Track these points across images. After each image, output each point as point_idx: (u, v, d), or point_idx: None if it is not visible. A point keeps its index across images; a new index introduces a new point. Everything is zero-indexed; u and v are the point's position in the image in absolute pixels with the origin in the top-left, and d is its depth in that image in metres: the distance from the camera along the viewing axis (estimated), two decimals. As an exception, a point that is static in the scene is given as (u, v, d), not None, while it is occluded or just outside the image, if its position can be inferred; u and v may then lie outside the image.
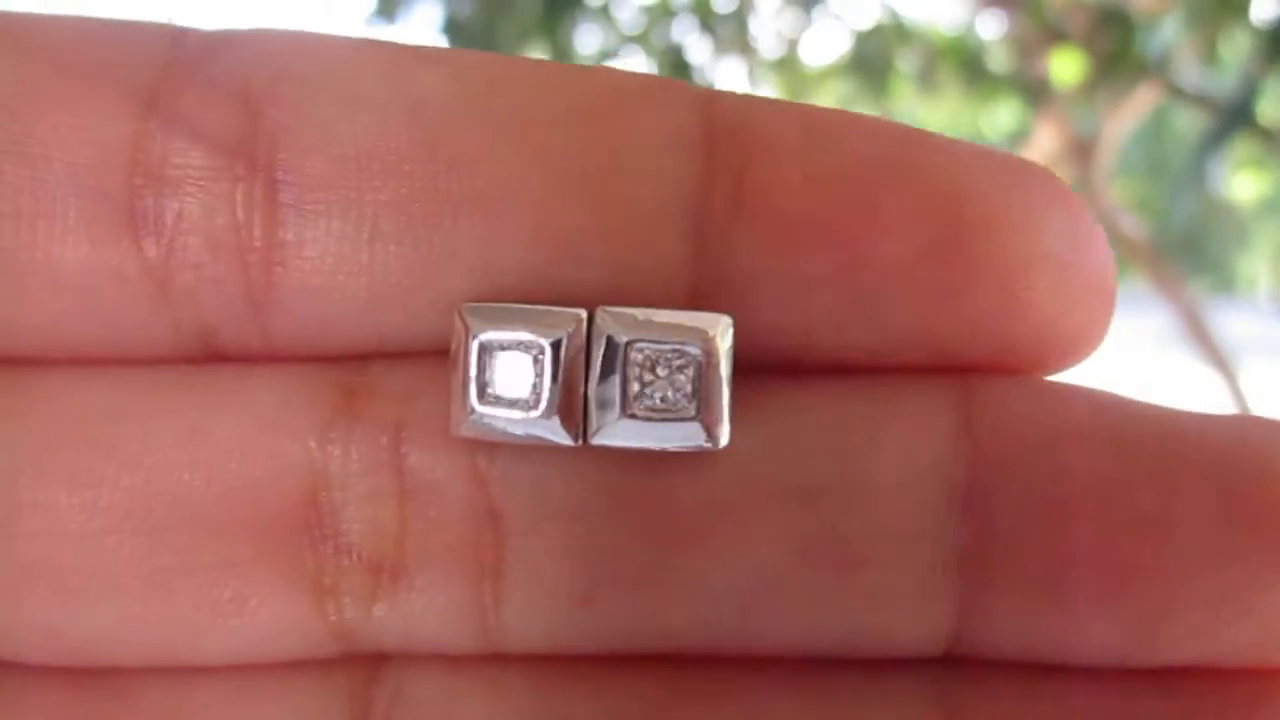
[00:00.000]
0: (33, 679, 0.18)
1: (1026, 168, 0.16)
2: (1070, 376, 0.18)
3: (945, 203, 0.16)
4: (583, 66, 0.18)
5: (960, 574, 0.17)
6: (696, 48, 1.73)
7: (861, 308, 0.16)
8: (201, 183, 0.16)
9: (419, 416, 0.17)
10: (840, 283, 0.16)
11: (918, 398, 0.17)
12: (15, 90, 0.16)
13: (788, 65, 1.86)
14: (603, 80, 0.17)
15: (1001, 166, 0.16)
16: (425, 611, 0.18)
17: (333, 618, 0.17)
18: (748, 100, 0.17)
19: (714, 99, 0.17)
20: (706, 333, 0.16)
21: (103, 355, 0.17)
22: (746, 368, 0.17)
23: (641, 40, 1.71)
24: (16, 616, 0.17)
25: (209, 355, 0.18)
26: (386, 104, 0.17)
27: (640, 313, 0.17)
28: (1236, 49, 1.42)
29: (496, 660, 0.18)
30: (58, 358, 0.17)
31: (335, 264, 0.17)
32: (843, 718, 0.18)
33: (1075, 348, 0.17)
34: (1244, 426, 0.16)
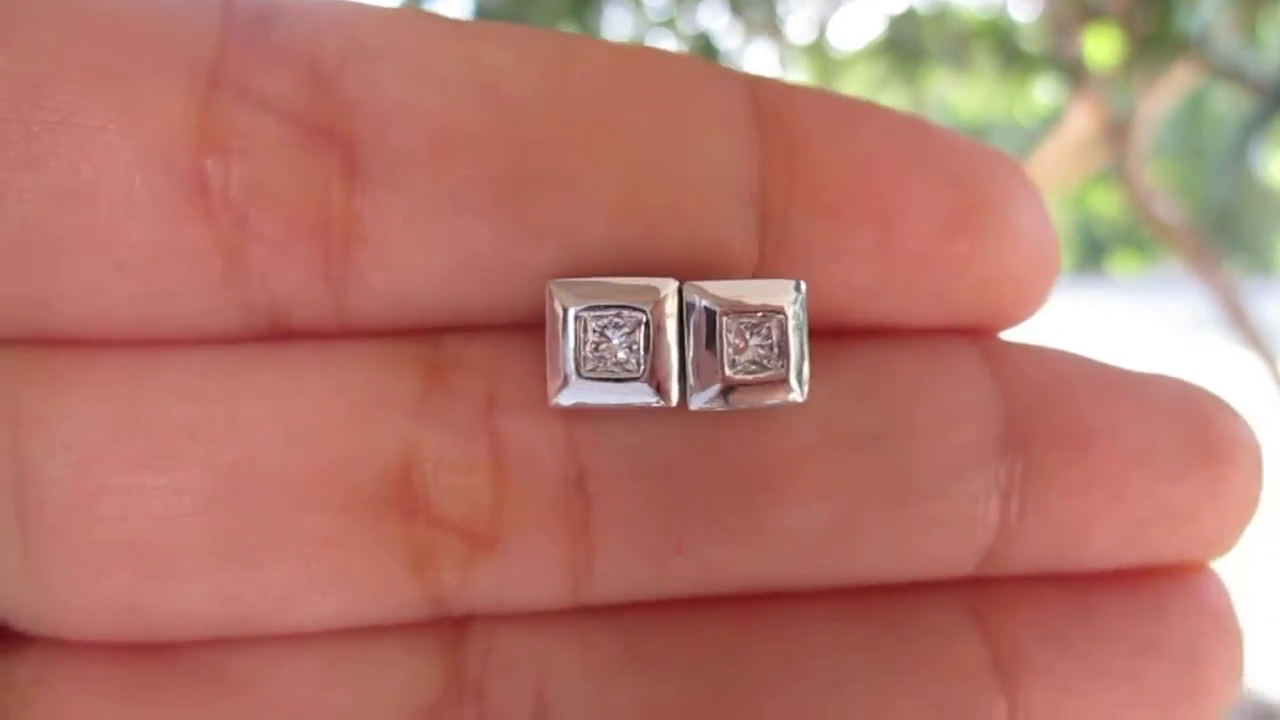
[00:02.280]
0: (108, 656, 0.18)
1: (1004, 158, 0.19)
2: (1105, 356, 0.21)
3: (955, 184, 0.18)
4: (640, 47, 0.18)
5: (1001, 501, 0.19)
6: (725, 32, 1.73)
7: (896, 276, 0.18)
8: (274, 154, 0.16)
9: (509, 388, 0.18)
10: (879, 253, 0.18)
11: (952, 354, 0.19)
12: (64, 62, 0.16)
13: (817, 49, 1.84)
14: (660, 61, 0.18)
15: (992, 158, 0.19)
16: (520, 575, 0.18)
17: (431, 584, 0.18)
18: (782, 85, 0.18)
19: (757, 84, 0.18)
20: (785, 299, 0.18)
21: (169, 335, 0.17)
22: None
23: (670, 25, 1.70)
24: (96, 597, 0.17)
25: (278, 333, 0.17)
26: (458, 79, 0.17)
27: (723, 285, 0.18)
28: (1277, 28, 1.40)
29: (582, 614, 0.19)
30: (124, 338, 0.17)
31: (418, 240, 0.16)
32: (894, 637, 0.19)
33: (1036, 306, 0.20)
34: (1182, 383, 0.20)
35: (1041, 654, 0.19)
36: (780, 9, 1.76)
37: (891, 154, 0.18)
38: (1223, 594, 0.20)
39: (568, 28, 1.57)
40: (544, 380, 0.18)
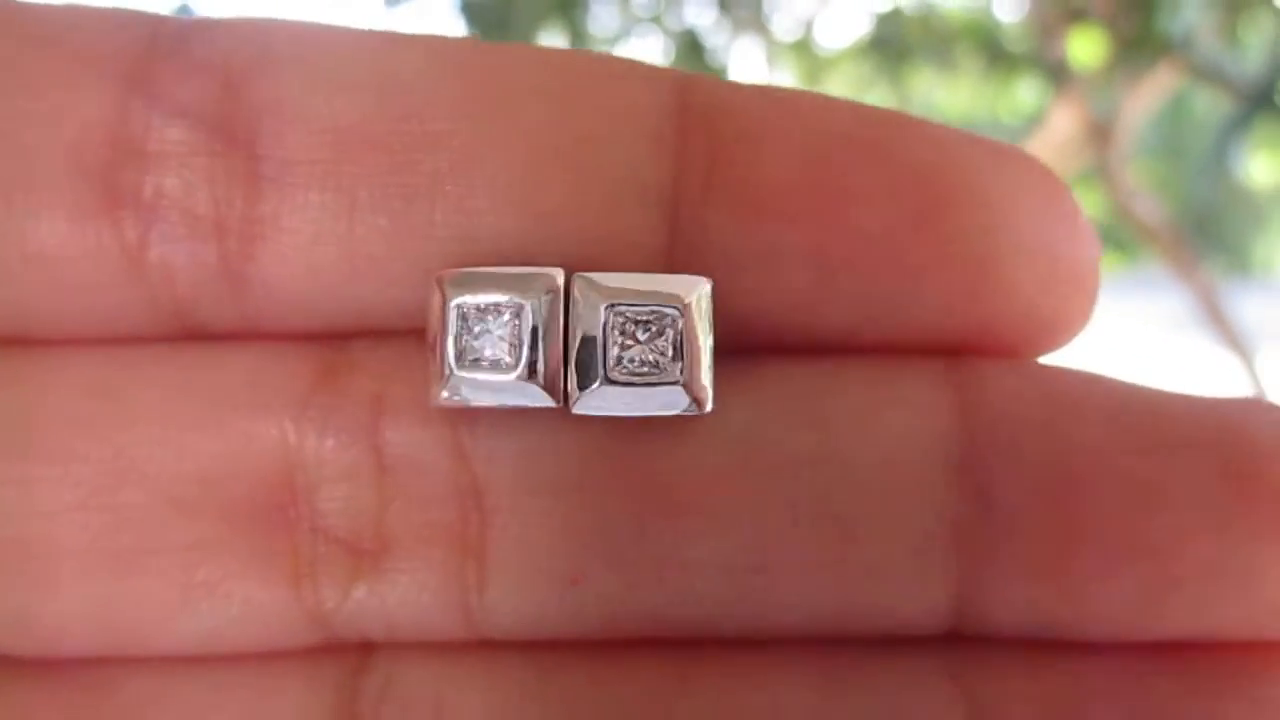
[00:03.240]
0: (8, 672, 0.18)
1: (1010, 152, 0.17)
2: (1083, 357, 0.18)
3: (919, 180, 0.16)
4: (561, 50, 0.18)
5: (959, 548, 0.17)
6: (712, 29, 1.73)
7: (833, 280, 0.17)
8: (181, 158, 0.16)
9: (398, 392, 0.17)
10: (811, 255, 0.17)
11: (910, 374, 0.17)
12: None
13: (803, 47, 1.85)
14: (578, 62, 0.17)
15: (979, 147, 0.17)
16: (406, 593, 0.17)
17: (310, 601, 0.17)
18: (721, 84, 0.18)
19: (687, 83, 0.17)
20: (684, 295, 0.16)
21: (82, 334, 0.17)
22: (729, 344, 0.17)
23: (656, 22, 1.70)
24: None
25: (188, 334, 0.18)
26: (364, 84, 0.17)
27: (617, 277, 0.17)
28: (1260, 31, 1.41)
29: (490, 649, 0.18)
30: (39, 337, 0.17)
31: (314, 236, 0.17)
32: (856, 698, 0.18)
33: (1057, 331, 0.17)
34: (1236, 407, 0.17)
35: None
36: (766, 6, 1.76)
37: (836, 147, 0.17)
38: None
39: (554, 25, 1.56)
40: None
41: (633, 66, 0.18)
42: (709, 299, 0.16)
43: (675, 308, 0.16)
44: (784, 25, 1.81)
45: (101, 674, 0.18)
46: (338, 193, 0.17)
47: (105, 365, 0.17)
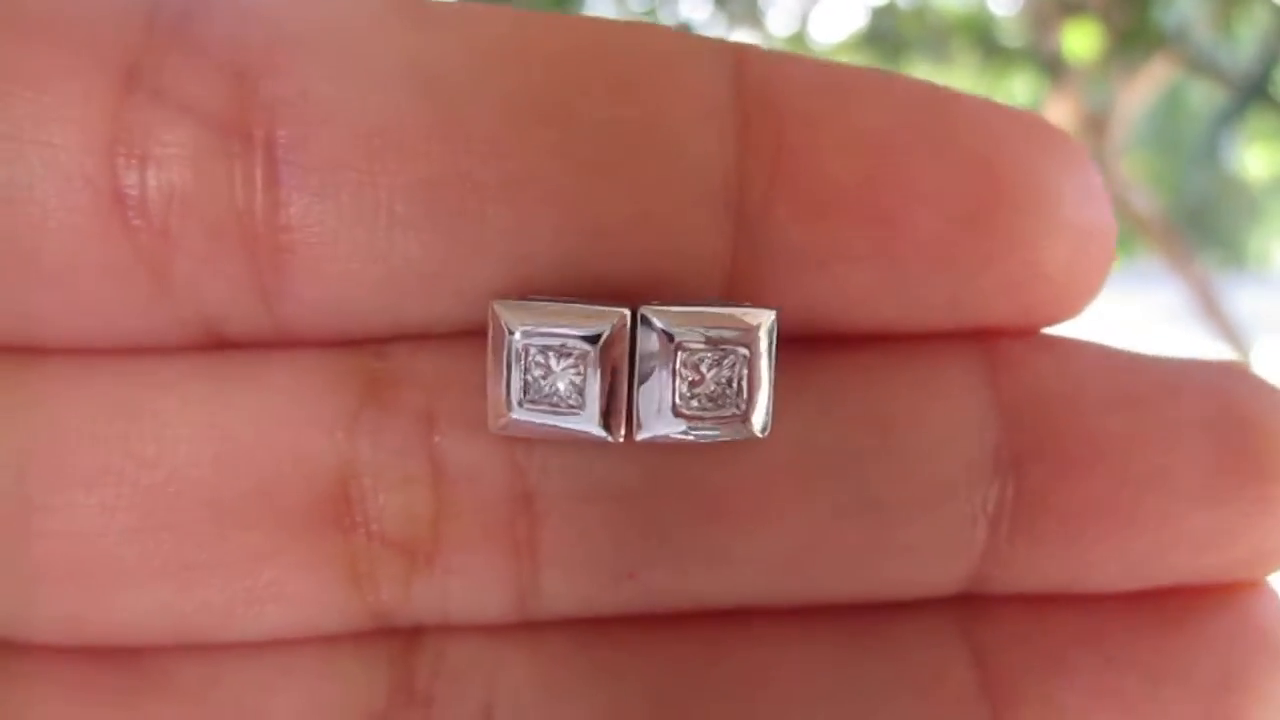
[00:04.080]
0: (53, 658, 0.17)
1: (1048, 132, 0.17)
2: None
3: (975, 171, 0.16)
4: (603, 22, 0.16)
5: (989, 526, 0.17)
6: (707, 24, 1.73)
7: (896, 281, 0.16)
8: (192, 161, 0.15)
9: (449, 406, 0.17)
10: (877, 258, 0.16)
11: (950, 364, 0.17)
12: None
13: (799, 41, 1.85)
14: (629, 42, 0.16)
15: (1026, 130, 0.16)
16: (462, 591, 0.17)
17: (370, 599, 0.17)
18: (779, 59, 0.16)
19: (743, 57, 0.16)
20: (753, 328, 0.16)
21: (106, 346, 0.16)
22: (782, 342, 0.17)
23: (651, 16, 1.70)
24: (32, 609, 0.17)
25: (217, 343, 0.17)
26: (394, 74, 0.15)
27: (686, 310, 0.16)
28: (1253, 24, 1.41)
29: (535, 626, 0.18)
30: (58, 348, 0.16)
31: (349, 250, 0.15)
32: (871, 654, 0.18)
33: (1081, 302, 0.18)
34: (1229, 381, 0.18)
35: (1038, 678, 0.18)
36: (761, 1, 1.76)
37: (898, 136, 0.16)
38: (1272, 612, 0.18)
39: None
40: (485, 397, 0.16)
41: (685, 41, 0.16)
42: (774, 331, 0.16)
43: (744, 346, 0.16)
44: (779, 20, 1.81)
45: (156, 659, 0.17)
46: (374, 205, 0.15)
47: (136, 381, 0.16)
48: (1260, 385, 0.18)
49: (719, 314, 0.16)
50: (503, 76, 0.15)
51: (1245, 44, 1.48)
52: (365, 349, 0.17)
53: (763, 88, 0.16)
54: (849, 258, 0.16)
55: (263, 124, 0.15)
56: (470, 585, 0.17)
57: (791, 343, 0.17)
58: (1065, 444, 0.17)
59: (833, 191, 0.16)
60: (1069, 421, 0.17)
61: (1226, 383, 0.18)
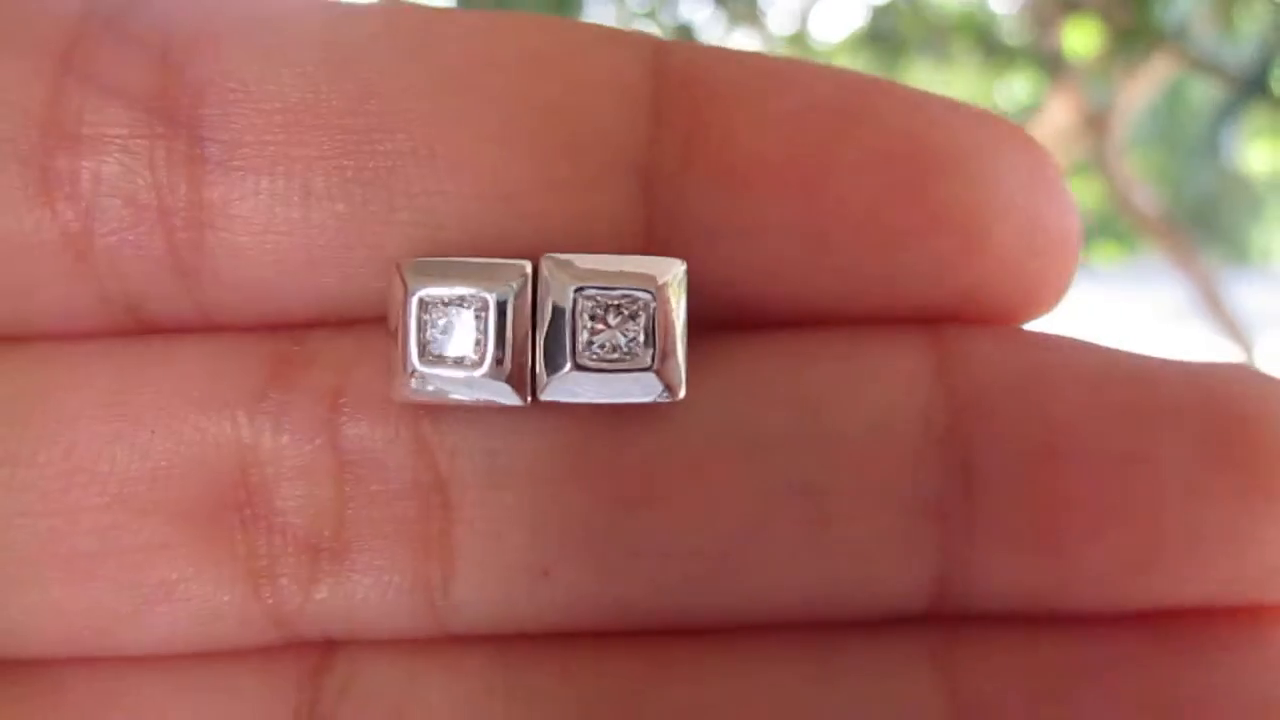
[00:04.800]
0: None
1: (989, 117, 0.16)
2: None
3: (903, 147, 0.16)
4: (526, 15, 0.17)
5: (941, 521, 0.16)
6: (708, 24, 1.73)
7: (819, 253, 0.16)
8: (120, 142, 0.15)
9: (358, 384, 0.16)
10: (796, 228, 0.16)
11: (889, 344, 0.17)
12: None
13: (799, 41, 1.85)
14: (547, 29, 0.16)
15: (963, 114, 0.16)
16: (369, 592, 0.17)
17: (270, 601, 0.16)
18: (700, 50, 0.17)
19: (666, 50, 0.16)
20: (658, 277, 0.16)
21: (28, 330, 0.17)
22: (705, 321, 0.16)
23: (651, 17, 1.70)
24: None
25: (141, 328, 0.17)
26: (314, 58, 0.16)
27: (587, 259, 0.16)
28: (1254, 20, 1.41)
29: (455, 643, 0.17)
30: None
31: (266, 223, 0.16)
32: (837, 682, 0.17)
33: (1040, 296, 0.17)
34: (1220, 372, 0.16)
35: (1022, 711, 0.17)
36: (761, 0, 1.76)
37: (820, 115, 0.16)
38: None
39: (549, 20, 1.56)
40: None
41: (604, 32, 0.17)
42: (683, 281, 0.16)
43: (648, 290, 0.15)
44: (779, 19, 1.81)
45: (55, 674, 0.17)
46: (289, 178, 0.16)
47: (47, 362, 0.16)
48: (1255, 374, 0.17)
49: (624, 261, 0.16)
50: (417, 57, 0.16)
51: (1245, 40, 1.48)
52: (284, 334, 0.17)
53: (681, 72, 0.16)
54: (769, 227, 0.16)
55: (187, 105, 0.16)
56: (376, 586, 0.17)
57: (722, 323, 0.17)
58: (1021, 432, 0.16)
59: (750, 163, 0.16)
60: (1025, 409, 0.16)
61: (1213, 372, 0.16)
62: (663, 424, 0.16)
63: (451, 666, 0.17)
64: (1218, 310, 1.64)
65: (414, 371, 0.16)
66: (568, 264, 0.16)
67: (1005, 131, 0.16)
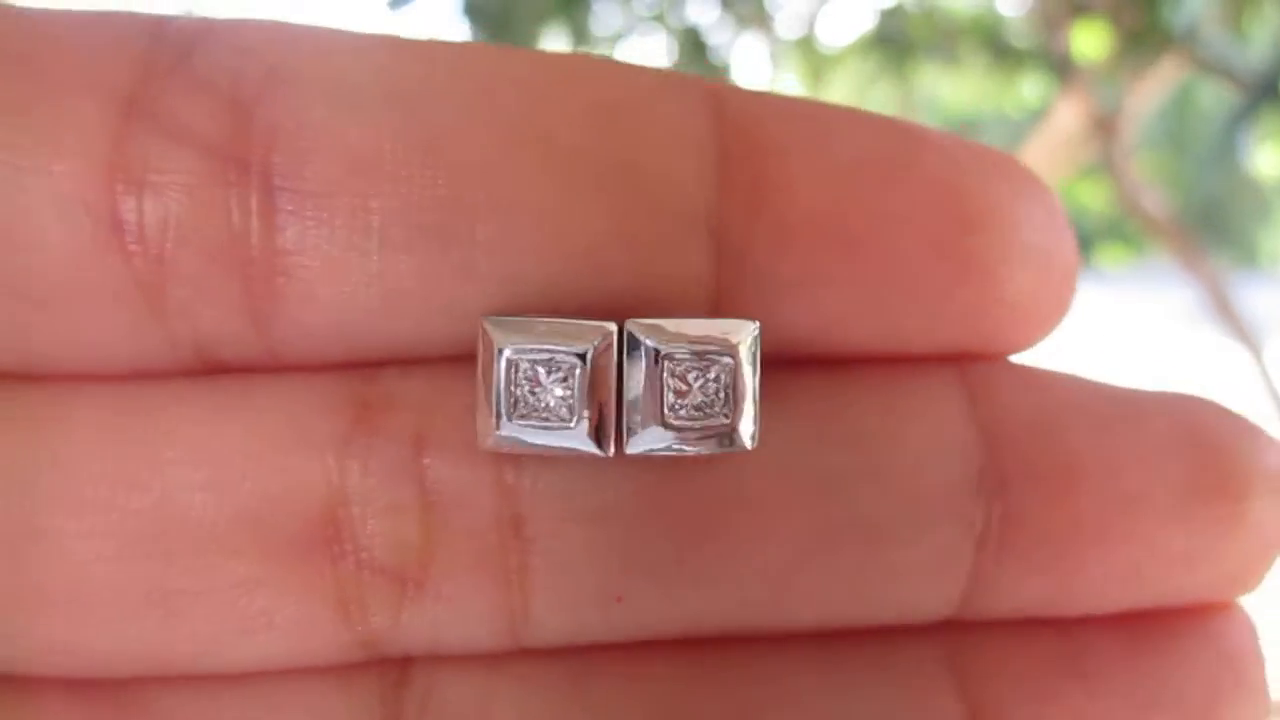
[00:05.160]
0: (43, 691, 0.17)
1: (1009, 164, 0.17)
2: (1094, 350, 0.19)
3: (944, 200, 0.17)
4: (589, 59, 0.17)
5: (977, 547, 0.18)
6: (715, 27, 1.73)
7: (871, 303, 0.17)
8: (190, 189, 0.15)
9: (439, 428, 0.17)
10: (853, 280, 0.17)
11: (925, 383, 0.18)
12: None
13: (806, 44, 1.85)
14: (611, 76, 0.17)
15: (989, 163, 0.17)
16: (452, 619, 0.17)
17: (359, 628, 0.17)
18: (755, 96, 0.17)
19: (722, 95, 0.17)
20: (736, 339, 0.16)
21: (99, 371, 0.17)
22: (767, 364, 0.17)
23: (659, 20, 1.70)
24: (26, 638, 0.17)
25: (209, 367, 0.17)
26: (384, 103, 0.16)
27: (670, 324, 0.16)
28: (1264, 23, 1.41)
29: (528, 656, 0.18)
30: (53, 373, 0.17)
31: (342, 274, 0.16)
32: (861, 685, 0.18)
33: (1046, 327, 0.18)
34: (1194, 408, 0.19)
35: (1023, 708, 0.18)
36: (769, 3, 1.76)
37: (871, 169, 0.17)
38: (1245, 637, 0.19)
39: (557, 25, 1.56)
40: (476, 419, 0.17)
41: (663, 77, 0.17)
42: (758, 340, 0.17)
43: (728, 355, 0.16)
44: (787, 23, 1.81)
45: (144, 690, 0.17)
46: (367, 230, 0.16)
47: (131, 409, 0.17)
48: (1223, 411, 0.19)
49: (703, 325, 0.16)
50: (487, 104, 0.16)
51: (1256, 43, 1.47)
52: (356, 373, 0.17)
53: (740, 121, 0.17)
54: (823, 281, 0.17)
55: (258, 151, 0.15)
56: (460, 613, 0.17)
57: (776, 365, 0.17)
58: (1046, 466, 0.18)
59: (806, 219, 0.16)
60: (1048, 445, 0.18)
61: (1191, 409, 0.18)
62: (730, 467, 0.17)
63: (524, 681, 0.18)
64: (1226, 313, 1.64)
65: (501, 425, 0.16)
66: (654, 328, 0.16)
67: (1024, 179, 0.17)
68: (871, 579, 0.18)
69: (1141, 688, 0.18)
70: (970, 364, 0.18)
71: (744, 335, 0.16)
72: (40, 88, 0.15)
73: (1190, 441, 0.18)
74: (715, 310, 0.17)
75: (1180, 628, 0.19)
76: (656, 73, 0.17)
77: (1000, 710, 0.18)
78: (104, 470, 0.16)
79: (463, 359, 0.17)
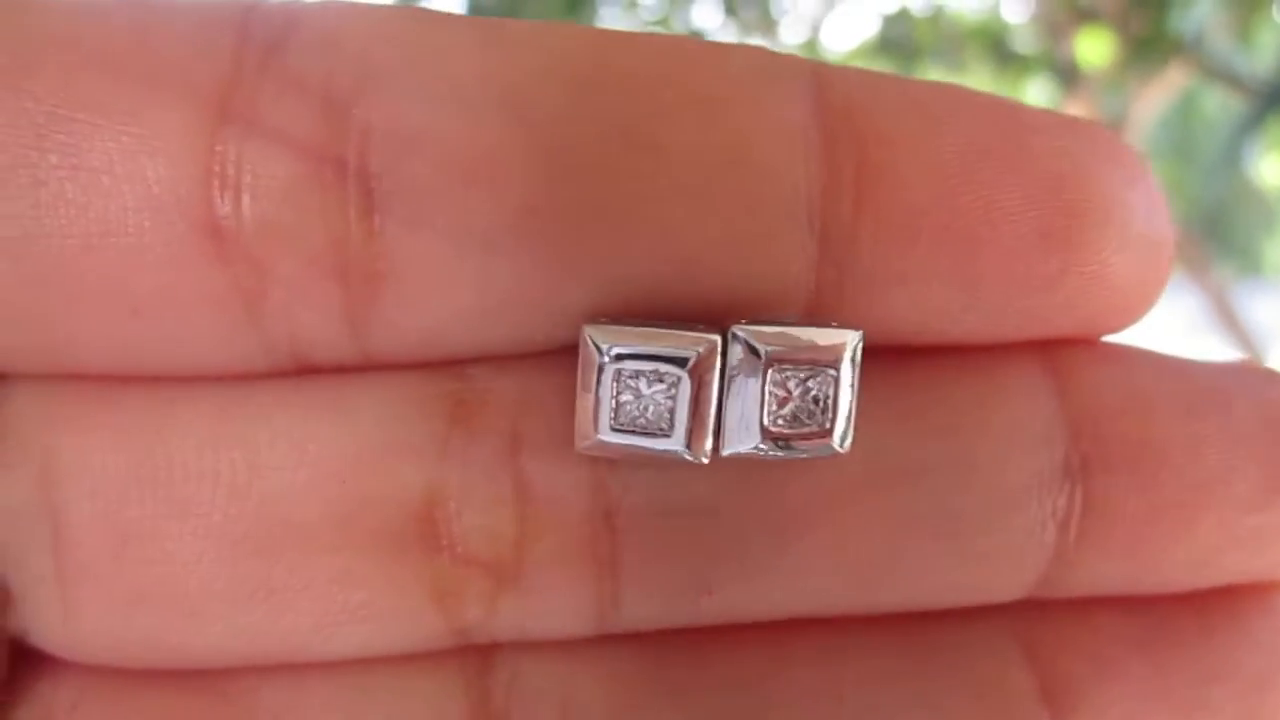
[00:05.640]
0: (132, 682, 0.18)
1: (1116, 147, 0.17)
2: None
3: (1050, 189, 0.16)
4: (687, 43, 0.17)
5: (1059, 532, 0.17)
6: (719, 31, 1.73)
7: (974, 297, 0.16)
8: (286, 191, 0.15)
9: (535, 426, 0.17)
10: (957, 276, 0.16)
11: (1015, 374, 0.18)
12: (70, 101, 0.15)
13: (811, 49, 1.85)
14: (713, 62, 0.16)
15: (1096, 145, 0.17)
16: (544, 610, 0.17)
17: (454, 619, 0.17)
18: (857, 77, 0.16)
19: (825, 80, 0.16)
20: (839, 349, 0.16)
21: (192, 374, 0.17)
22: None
23: (663, 24, 1.70)
24: (126, 633, 0.17)
25: (302, 369, 0.17)
26: (483, 100, 0.15)
27: (774, 331, 0.16)
28: (1272, 30, 1.40)
29: (610, 638, 0.18)
30: (147, 377, 0.17)
31: (443, 279, 0.15)
32: (938, 664, 0.18)
33: (1140, 310, 0.18)
34: (1271, 387, 0.18)
35: (1094, 682, 0.18)
36: (774, 8, 1.76)
37: (979, 157, 0.16)
38: None
39: (561, 26, 1.56)
40: (570, 417, 0.17)
41: (763, 60, 0.16)
42: (859, 350, 0.16)
43: (831, 367, 0.16)
44: (791, 27, 1.81)
45: (243, 680, 0.18)
46: (468, 233, 0.15)
47: (227, 411, 0.17)
48: None
49: (808, 334, 0.16)
50: (589, 102, 0.15)
51: (1263, 51, 1.47)
52: (448, 370, 0.17)
53: (843, 107, 0.16)
54: (929, 277, 0.16)
55: (355, 152, 0.15)
56: (553, 603, 0.17)
57: (869, 355, 0.17)
58: (1129, 451, 0.17)
59: (914, 212, 0.16)
60: (1132, 429, 0.17)
61: (1270, 389, 0.18)
62: (822, 462, 0.17)
63: (605, 665, 0.18)
64: (1231, 322, 1.63)
65: (601, 433, 0.16)
66: (755, 334, 0.16)
67: (1131, 162, 0.17)
68: (955, 566, 0.18)
69: (1204, 662, 0.18)
70: (1059, 348, 0.18)
71: (848, 345, 0.16)
72: (131, 95, 0.15)
73: (1270, 425, 0.18)
74: (816, 306, 0.17)
75: (1242, 603, 0.19)
76: (758, 55, 0.16)
77: (1070, 684, 0.18)
78: (205, 472, 0.16)
79: (555, 355, 0.17)
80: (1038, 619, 0.19)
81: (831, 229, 0.16)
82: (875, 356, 0.17)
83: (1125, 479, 0.17)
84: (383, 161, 0.15)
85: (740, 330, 0.16)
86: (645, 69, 0.16)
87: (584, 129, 0.15)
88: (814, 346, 0.16)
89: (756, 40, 1.79)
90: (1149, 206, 0.17)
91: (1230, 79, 1.37)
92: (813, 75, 0.16)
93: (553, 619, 0.18)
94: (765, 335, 0.16)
